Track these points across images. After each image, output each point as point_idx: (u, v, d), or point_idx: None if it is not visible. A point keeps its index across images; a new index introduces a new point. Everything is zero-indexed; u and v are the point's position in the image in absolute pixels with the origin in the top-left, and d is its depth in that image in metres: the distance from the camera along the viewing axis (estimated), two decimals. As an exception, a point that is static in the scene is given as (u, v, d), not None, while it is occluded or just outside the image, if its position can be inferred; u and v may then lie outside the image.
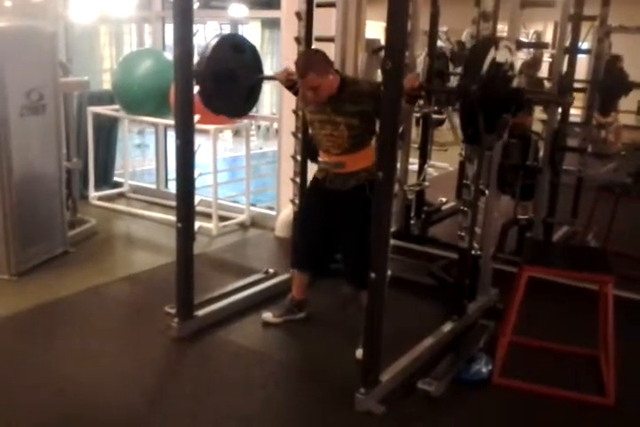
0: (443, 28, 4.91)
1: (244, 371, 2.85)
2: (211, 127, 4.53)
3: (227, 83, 3.12)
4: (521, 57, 5.40)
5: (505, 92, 2.68)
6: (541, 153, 4.10)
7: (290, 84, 3.09)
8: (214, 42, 3.06)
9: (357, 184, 2.88)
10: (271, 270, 3.78)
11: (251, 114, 3.91)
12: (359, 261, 2.61)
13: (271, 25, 10.62)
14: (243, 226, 4.97)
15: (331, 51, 3.72)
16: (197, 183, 3.19)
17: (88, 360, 2.90)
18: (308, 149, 3.54)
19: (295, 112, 3.69)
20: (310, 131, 3.06)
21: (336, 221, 2.99)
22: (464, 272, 3.25)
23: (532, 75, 4.30)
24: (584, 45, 4.50)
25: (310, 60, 2.79)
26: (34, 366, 2.82)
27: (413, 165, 4.61)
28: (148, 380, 2.80)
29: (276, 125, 6.68)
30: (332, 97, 2.83)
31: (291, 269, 3.41)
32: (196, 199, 3.20)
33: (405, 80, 2.49)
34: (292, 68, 2.88)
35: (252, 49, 3.32)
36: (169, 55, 4.98)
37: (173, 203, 3.15)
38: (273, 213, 4.96)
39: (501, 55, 2.65)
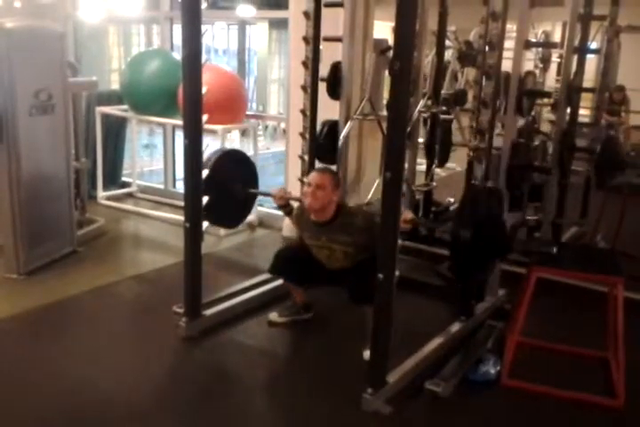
0: (451, 28, 4.89)
1: (251, 370, 2.85)
2: (218, 127, 4.53)
3: (224, 199, 3.28)
4: (529, 57, 5.38)
5: (494, 239, 2.80)
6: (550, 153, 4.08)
7: (283, 202, 3.19)
8: (215, 158, 3.21)
9: None
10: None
11: (258, 114, 3.92)
12: (366, 283, 2.59)
13: (278, 25, 10.65)
14: (250, 226, 4.97)
15: (338, 50, 3.74)
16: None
17: (96, 359, 2.91)
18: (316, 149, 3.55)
19: (303, 112, 3.70)
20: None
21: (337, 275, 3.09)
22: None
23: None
24: (593, 45, 4.48)
25: (332, 172, 3.12)
26: (42, 366, 2.83)
27: (421, 165, 4.60)
28: (156, 379, 2.81)
29: (283, 125, 6.69)
30: (326, 223, 2.96)
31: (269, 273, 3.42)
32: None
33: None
34: (288, 190, 3.28)
35: (250, 164, 3.48)
36: (177, 55, 4.99)
37: (181, 203, 3.16)
38: (280, 213, 4.95)
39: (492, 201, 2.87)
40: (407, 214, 2.71)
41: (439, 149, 4.47)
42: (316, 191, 2.91)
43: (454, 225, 2.70)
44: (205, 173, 3.08)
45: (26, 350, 2.99)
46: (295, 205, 3.24)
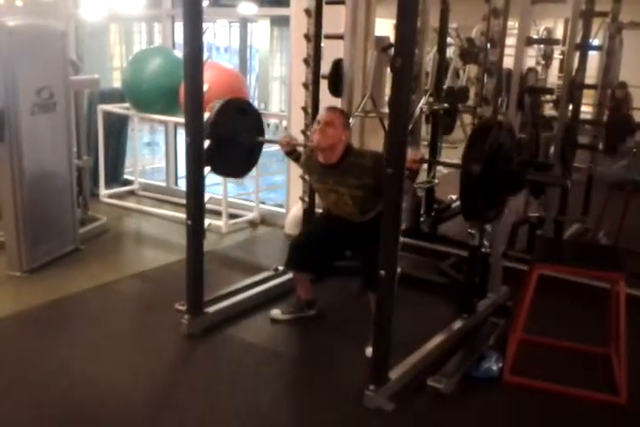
0: (452, 25, 4.89)
1: (254, 368, 2.85)
2: (220, 125, 4.52)
3: (228, 145, 3.19)
4: (531, 54, 5.37)
5: (506, 172, 2.72)
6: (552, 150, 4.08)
7: (289, 148, 3.15)
8: (219, 105, 3.13)
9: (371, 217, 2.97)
10: (280, 268, 3.78)
11: (260, 111, 3.94)
12: (375, 269, 2.60)
13: (280, 23, 10.63)
14: (252, 224, 4.98)
15: (340, 48, 3.74)
16: (207, 181, 3.19)
17: (98, 357, 2.91)
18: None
19: (304, 109, 3.70)
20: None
21: (350, 242, 3.09)
22: (474, 270, 3.24)
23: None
24: (595, 42, 4.47)
25: (342, 111, 3.06)
26: (44, 363, 2.84)
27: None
28: (159, 376, 2.82)
29: (285, 123, 6.69)
30: (334, 165, 2.91)
31: (285, 269, 3.43)
32: (206, 197, 3.21)
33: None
34: (295, 135, 3.22)
35: (255, 113, 3.40)
36: (179, 53, 4.99)
37: (183, 200, 3.16)
38: (282, 210, 4.96)
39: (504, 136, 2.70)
40: (416, 155, 2.71)
41: (446, 116, 4.45)
42: (326, 128, 2.85)
43: (464, 158, 2.59)
44: (207, 117, 3.01)
45: (28, 347, 2.99)
46: (302, 150, 3.19)
